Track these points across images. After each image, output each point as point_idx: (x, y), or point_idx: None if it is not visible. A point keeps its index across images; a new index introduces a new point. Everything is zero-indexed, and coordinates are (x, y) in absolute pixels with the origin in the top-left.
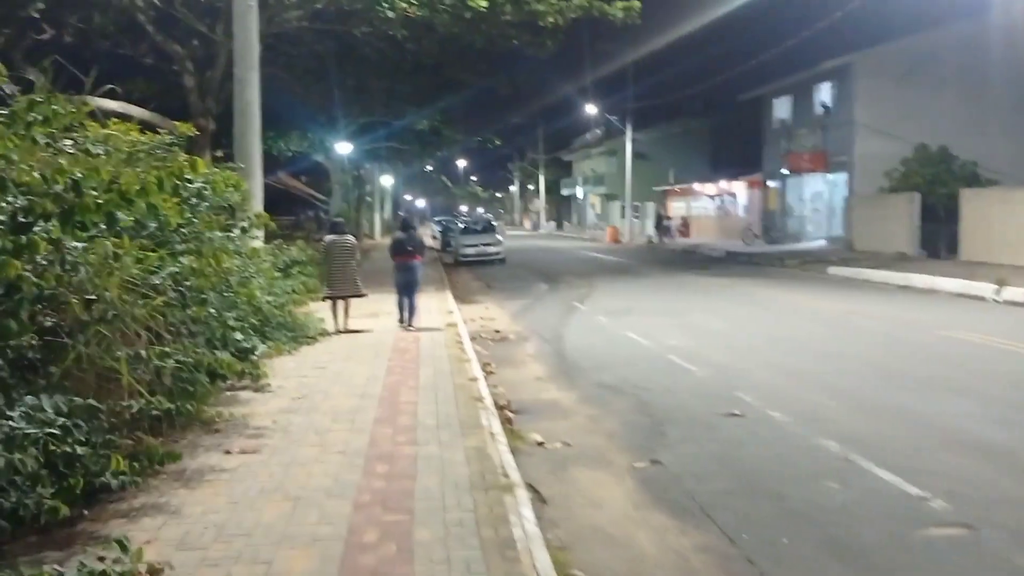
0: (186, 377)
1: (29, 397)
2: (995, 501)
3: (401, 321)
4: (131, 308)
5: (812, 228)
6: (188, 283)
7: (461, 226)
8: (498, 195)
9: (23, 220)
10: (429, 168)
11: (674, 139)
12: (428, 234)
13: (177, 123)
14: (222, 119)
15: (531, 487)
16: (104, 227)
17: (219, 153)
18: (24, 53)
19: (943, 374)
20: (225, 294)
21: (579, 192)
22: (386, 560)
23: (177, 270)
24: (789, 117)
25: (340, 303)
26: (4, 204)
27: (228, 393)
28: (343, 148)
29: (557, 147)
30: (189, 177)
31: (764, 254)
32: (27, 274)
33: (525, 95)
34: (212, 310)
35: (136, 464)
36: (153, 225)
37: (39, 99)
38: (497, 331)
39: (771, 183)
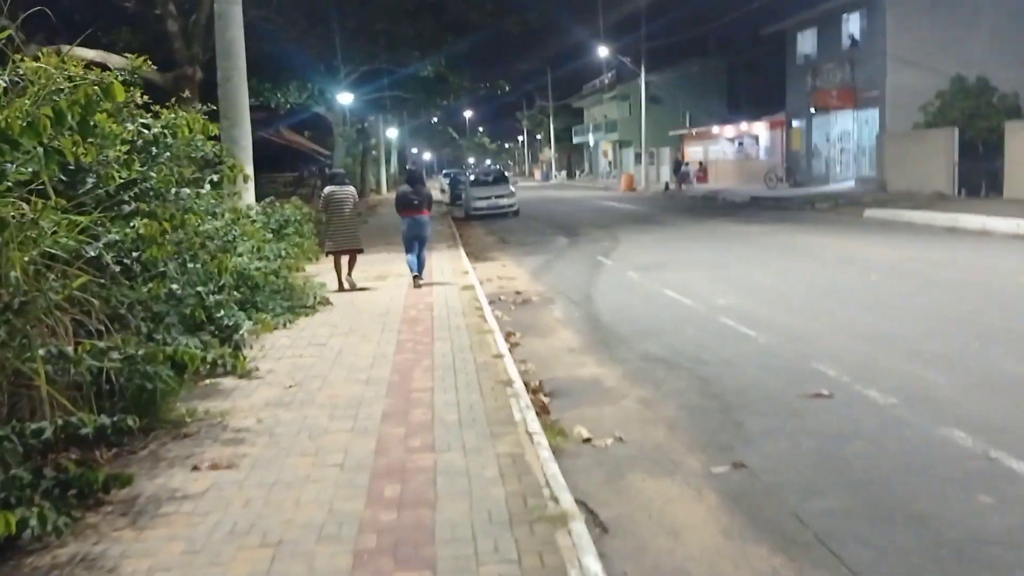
0: (139, 376)
1: None
2: None
3: (415, 277)
4: (49, 291)
5: (839, 169)
6: (138, 254)
7: (471, 178)
8: (506, 146)
9: None
10: (435, 120)
11: (689, 81)
12: (436, 187)
13: (160, 73)
14: (211, 68)
15: (584, 506)
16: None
17: (214, 107)
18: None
19: None
20: (193, 264)
21: (590, 140)
22: None
23: (118, 238)
24: (814, 52)
25: (344, 258)
26: None
27: (208, 382)
28: (344, 98)
29: (567, 94)
30: (147, 122)
31: (791, 198)
32: None
33: (534, 38)
34: (175, 285)
35: (64, 502)
36: (92, 181)
37: None
38: (518, 292)
39: (795, 123)
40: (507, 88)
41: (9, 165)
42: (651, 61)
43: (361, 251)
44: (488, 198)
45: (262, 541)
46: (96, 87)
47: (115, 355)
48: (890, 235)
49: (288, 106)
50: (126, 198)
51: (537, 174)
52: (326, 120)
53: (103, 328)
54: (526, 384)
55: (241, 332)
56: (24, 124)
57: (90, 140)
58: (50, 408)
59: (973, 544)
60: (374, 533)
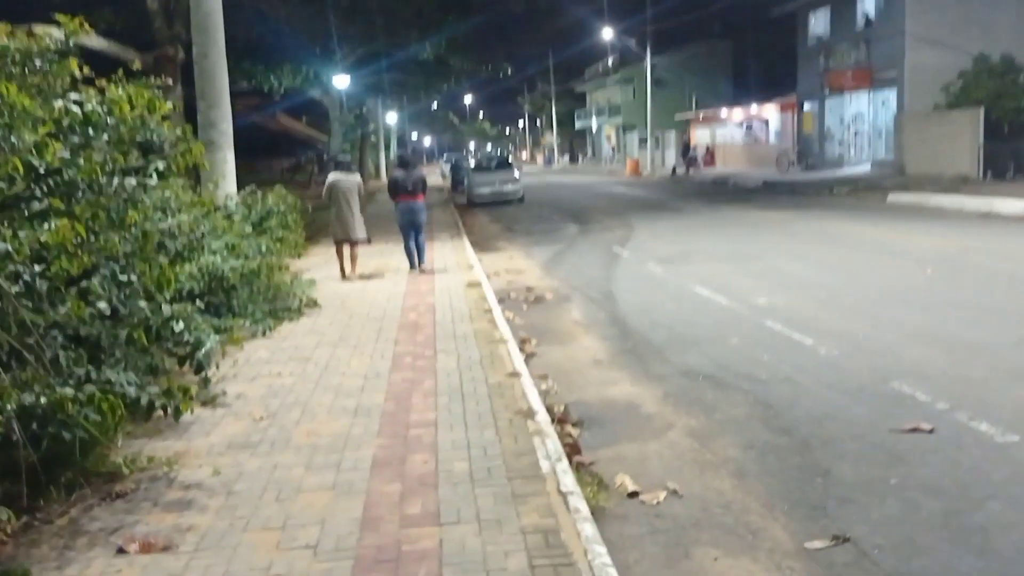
0: (55, 424)
1: None
2: None
3: (412, 268)
4: None
5: (854, 152)
6: (43, 267)
7: (473, 164)
8: (507, 131)
9: None
10: (435, 106)
11: (694, 63)
12: (437, 173)
13: (139, 53)
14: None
15: None
16: None
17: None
18: None
19: None
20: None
21: (594, 124)
22: None
23: (9, 248)
24: (827, 32)
25: (346, 248)
26: None
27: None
28: (341, 82)
29: (569, 78)
30: (79, 99)
31: (806, 182)
32: None
33: (535, 21)
34: (103, 304)
35: None
36: None
37: None
38: (529, 288)
39: (807, 105)
40: (509, 71)
41: None
42: (656, 43)
43: (368, 241)
44: (492, 184)
45: None
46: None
47: (10, 404)
48: (922, 221)
49: (283, 90)
50: (37, 194)
51: (539, 159)
52: (324, 105)
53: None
54: (549, 410)
55: (204, 349)
56: None
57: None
58: None
59: None
60: None
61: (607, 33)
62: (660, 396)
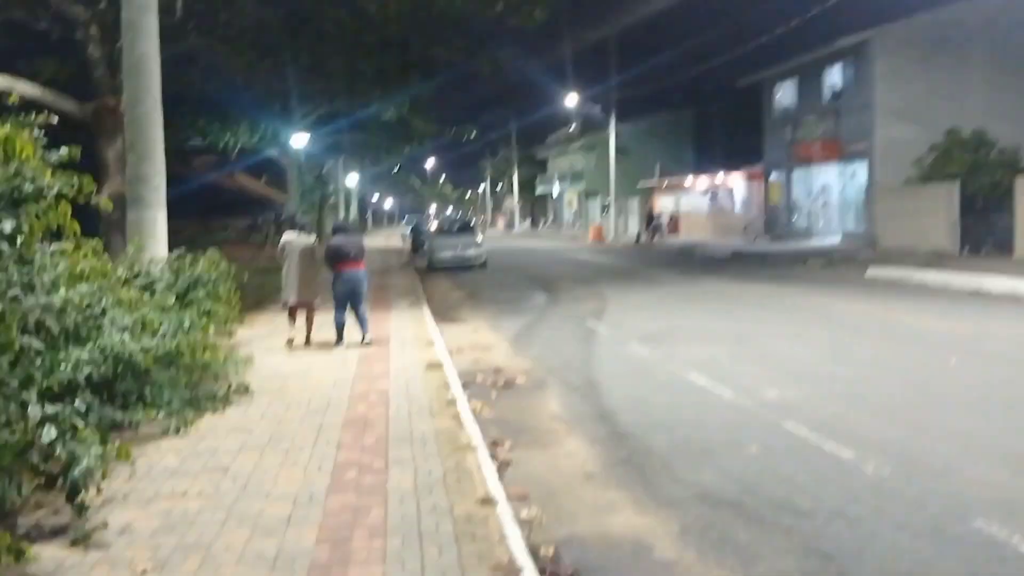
0: None
1: None
2: None
3: (339, 342)
4: None
5: (823, 224)
6: None
7: (435, 227)
8: (468, 194)
9: None
10: (397, 168)
11: (658, 132)
12: (397, 236)
13: (79, 104)
14: None
15: None
16: None
17: None
18: None
19: None
20: None
21: (555, 189)
22: None
23: None
24: (794, 103)
25: (301, 313)
26: None
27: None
28: (298, 141)
29: (531, 144)
30: None
31: (777, 253)
32: None
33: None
34: None
35: None
36: None
37: None
38: (498, 370)
39: (774, 175)
40: (474, 134)
41: None
42: (620, 111)
43: (309, 306)
44: (454, 248)
45: None
46: None
47: None
48: (912, 299)
49: (238, 148)
50: None
51: (501, 223)
52: (283, 165)
53: None
54: (535, 553)
55: (80, 468)
56: None
57: None
58: None
59: None
60: None
61: (571, 100)
62: (676, 532)
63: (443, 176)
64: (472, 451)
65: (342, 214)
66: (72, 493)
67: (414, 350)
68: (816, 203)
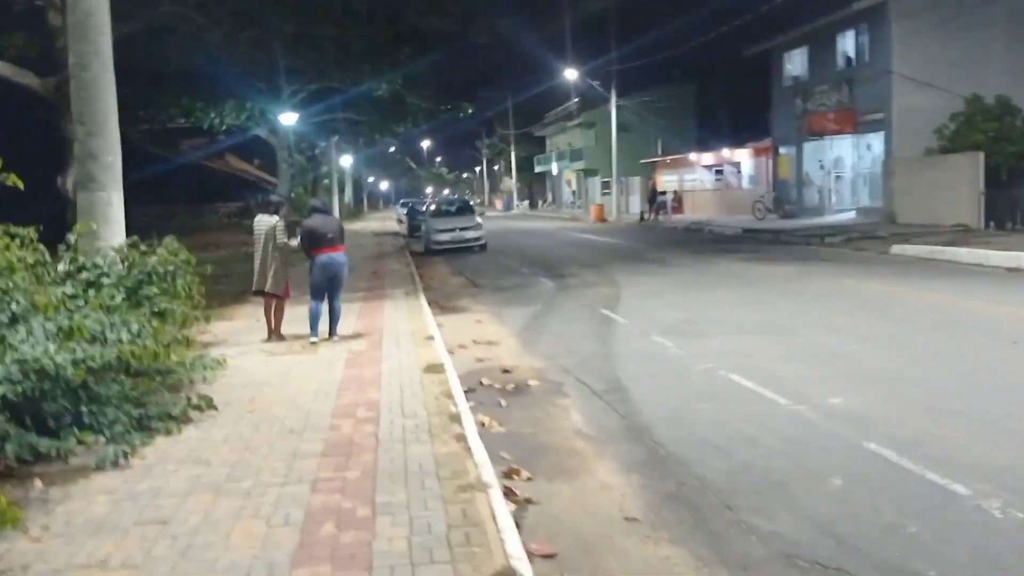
0: None
1: None
2: None
3: (313, 334)
4: None
5: (835, 199)
6: None
7: (432, 208)
8: (464, 176)
9: None
10: (392, 149)
11: (660, 107)
12: (393, 218)
13: (40, 78)
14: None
15: None
16: None
17: None
18: None
19: None
20: None
21: (554, 169)
22: None
23: None
24: (805, 73)
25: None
26: None
27: None
28: (287, 119)
29: (528, 122)
30: None
31: (790, 230)
32: None
33: (495, 63)
34: None
35: None
36: None
37: None
38: (507, 371)
39: (783, 149)
40: (470, 111)
41: None
42: (620, 86)
43: (279, 296)
44: (452, 230)
45: None
46: None
47: None
48: (951, 279)
49: (224, 128)
50: None
51: (499, 204)
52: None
53: None
54: None
55: None
56: None
57: None
58: None
59: None
60: None
61: (570, 75)
62: None
63: (439, 159)
64: (483, 491)
65: (336, 197)
66: None
67: (410, 347)
68: (829, 177)
